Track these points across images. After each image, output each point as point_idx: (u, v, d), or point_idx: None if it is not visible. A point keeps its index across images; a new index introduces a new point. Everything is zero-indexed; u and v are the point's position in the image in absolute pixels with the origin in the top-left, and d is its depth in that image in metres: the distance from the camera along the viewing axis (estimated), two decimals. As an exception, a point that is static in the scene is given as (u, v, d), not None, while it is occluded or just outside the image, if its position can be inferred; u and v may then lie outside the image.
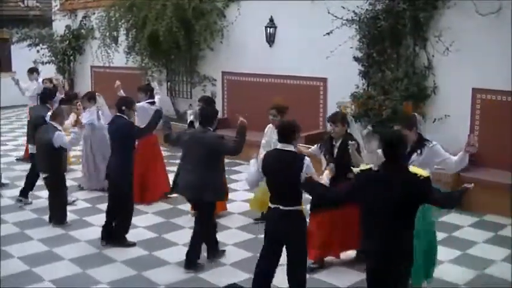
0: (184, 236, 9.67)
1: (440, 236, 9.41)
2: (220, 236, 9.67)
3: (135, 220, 9.68)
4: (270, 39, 15.29)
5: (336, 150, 8.19)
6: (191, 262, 8.41)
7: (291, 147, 6.85)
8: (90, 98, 12.29)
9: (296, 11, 14.45)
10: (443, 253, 8.63)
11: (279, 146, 6.91)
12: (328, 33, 12.76)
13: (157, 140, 11.59)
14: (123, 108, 9.37)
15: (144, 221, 10.47)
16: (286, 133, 6.88)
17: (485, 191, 10.30)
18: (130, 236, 9.51)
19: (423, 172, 5.73)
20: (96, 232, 9.94)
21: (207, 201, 8.33)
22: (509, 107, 11.17)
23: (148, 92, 12.07)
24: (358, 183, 5.93)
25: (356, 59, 13.02)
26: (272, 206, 6.86)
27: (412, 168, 5.79)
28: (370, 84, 12.99)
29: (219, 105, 16.33)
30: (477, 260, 8.72)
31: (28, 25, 22.66)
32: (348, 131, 8.35)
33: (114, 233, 9.39)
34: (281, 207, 6.74)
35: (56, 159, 10.14)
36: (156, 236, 9.80)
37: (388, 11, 12.29)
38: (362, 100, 12.65)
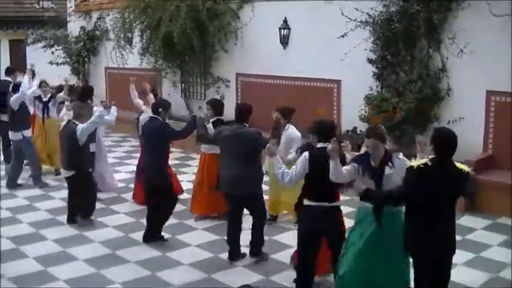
0: (197, 237, 9.75)
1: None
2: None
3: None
4: (284, 41, 15.30)
5: None
6: (257, 252, 8.82)
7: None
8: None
9: (310, 13, 14.47)
10: (457, 256, 8.55)
11: (320, 145, 7.16)
12: (342, 36, 12.78)
13: None
14: (160, 110, 9.49)
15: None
16: (327, 132, 7.15)
17: (499, 193, 10.27)
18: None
19: (465, 167, 6.09)
20: (110, 233, 10.03)
21: (255, 192, 8.59)
22: (524, 110, 11.14)
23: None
24: (414, 178, 6.04)
25: (370, 61, 13.02)
26: (313, 203, 7.10)
27: (457, 164, 6.07)
28: (384, 86, 12.99)
29: (233, 107, 16.36)
30: (491, 263, 8.68)
31: (43, 26, 22.78)
32: None
33: (150, 229, 9.59)
34: (326, 204, 7.06)
35: (80, 157, 10.18)
36: (170, 237, 9.81)
37: (402, 13, 12.28)
38: (376, 102, 12.63)
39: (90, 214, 10.53)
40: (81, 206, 10.48)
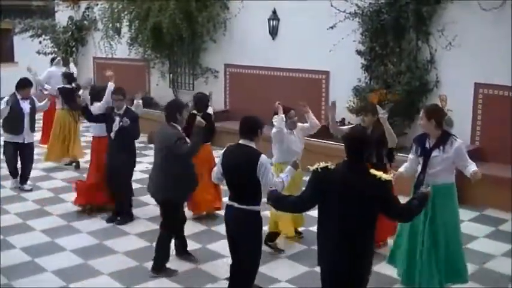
0: (186, 227, 9.70)
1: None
2: (221, 228, 9.70)
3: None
4: (273, 32, 15.29)
5: None
6: (156, 268, 8.29)
7: (252, 144, 6.63)
8: None
9: (299, 4, 14.44)
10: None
11: (240, 141, 6.68)
12: (331, 27, 12.77)
13: None
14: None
15: (145, 212, 10.52)
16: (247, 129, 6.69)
17: (486, 185, 10.31)
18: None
19: (384, 175, 5.39)
20: (98, 223, 9.99)
21: (166, 199, 8.15)
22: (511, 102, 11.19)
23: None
24: (316, 181, 5.50)
25: (358, 52, 13.03)
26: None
27: (373, 170, 5.39)
28: (372, 77, 13.01)
29: (221, 98, 16.38)
30: (477, 255, 8.72)
31: (31, 16, 22.63)
32: None
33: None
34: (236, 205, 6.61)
35: None
36: (156, 229, 9.78)
37: (391, 5, 12.30)
38: (364, 94, 12.67)
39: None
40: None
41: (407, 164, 7.49)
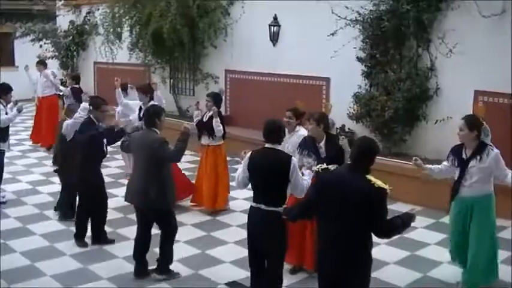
0: (185, 233, 9.70)
1: (440, 237, 9.44)
2: (220, 234, 9.77)
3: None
4: (274, 38, 15.31)
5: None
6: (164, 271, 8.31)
7: (279, 147, 6.79)
8: None
9: (300, 10, 14.46)
10: (443, 254, 8.65)
11: (267, 145, 6.73)
12: (332, 34, 12.78)
13: None
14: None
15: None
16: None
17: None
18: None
19: (381, 184, 5.36)
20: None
21: (159, 208, 8.00)
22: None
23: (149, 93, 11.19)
24: (317, 181, 5.77)
25: (359, 59, 13.04)
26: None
27: (370, 177, 5.43)
28: (372, 84, 13.01)
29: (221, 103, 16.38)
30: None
31: (32, 20, 22.68)
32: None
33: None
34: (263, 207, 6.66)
35: None
36: (157, 233, 9.78)
37: (392, 12, 12.29)
38: (364, 100, 12.67)
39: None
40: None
41: (440, 165, 7.92)
